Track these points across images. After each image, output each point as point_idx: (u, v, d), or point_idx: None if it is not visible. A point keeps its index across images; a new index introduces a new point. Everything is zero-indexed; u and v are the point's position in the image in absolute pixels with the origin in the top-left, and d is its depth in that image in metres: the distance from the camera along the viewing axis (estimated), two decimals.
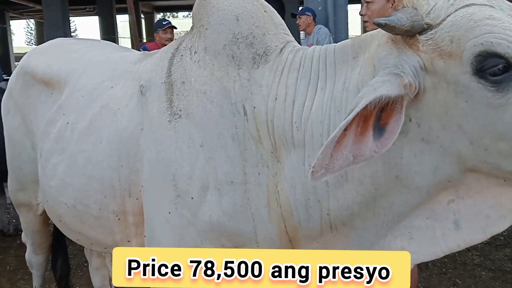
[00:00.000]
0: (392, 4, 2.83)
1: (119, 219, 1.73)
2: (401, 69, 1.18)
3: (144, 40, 16.92)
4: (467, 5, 1.14)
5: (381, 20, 1.16)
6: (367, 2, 2.87)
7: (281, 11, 3.14)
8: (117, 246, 1.67)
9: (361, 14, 3.00)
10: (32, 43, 40.44)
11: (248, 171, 1.43)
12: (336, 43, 1.53)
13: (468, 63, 1.12)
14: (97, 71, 1.89)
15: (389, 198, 1.32)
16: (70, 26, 11.79)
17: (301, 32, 6.24)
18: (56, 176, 1.85)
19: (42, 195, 2.06)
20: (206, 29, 1.54)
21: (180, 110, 1.51)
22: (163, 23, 5.44)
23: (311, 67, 1.40)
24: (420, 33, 1.17)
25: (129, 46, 11.56)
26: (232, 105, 1.46)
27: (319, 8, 5.81)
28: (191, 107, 1.49)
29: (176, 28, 5.53)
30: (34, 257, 2.65)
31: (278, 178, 1.42)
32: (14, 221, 4.84)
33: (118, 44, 14.71)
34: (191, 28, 1.64)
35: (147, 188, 1.59)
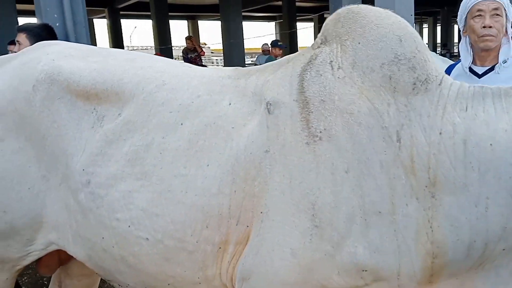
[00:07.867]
0: None
1: (218, 250, 1.52)
2: None
3: None
4: None
5: None
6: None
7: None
8: (206, 281, 1.56)
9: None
10: None
11: (396, 201, 1.33)
12: None
13: None
14: (183, 84, 1.62)
15: None
16: None
17: None
18: (131, 205, 1.55)
19: (87, 232, 1.65)
20: (359, 43, 1.43)
21: (321, 132, 1.36)
22: None
23: (483, 108, 1.34)
24: None
25: None
26: (383, 128, 1.35)
27: (57, 24, 5.25)
28: (334, 128, 1.36)
29: None
30: None
31: (433, 213, 1.33)
32: None
33: None
34: (322, 40, 1.51)
35: (270, 215, 1.41)
